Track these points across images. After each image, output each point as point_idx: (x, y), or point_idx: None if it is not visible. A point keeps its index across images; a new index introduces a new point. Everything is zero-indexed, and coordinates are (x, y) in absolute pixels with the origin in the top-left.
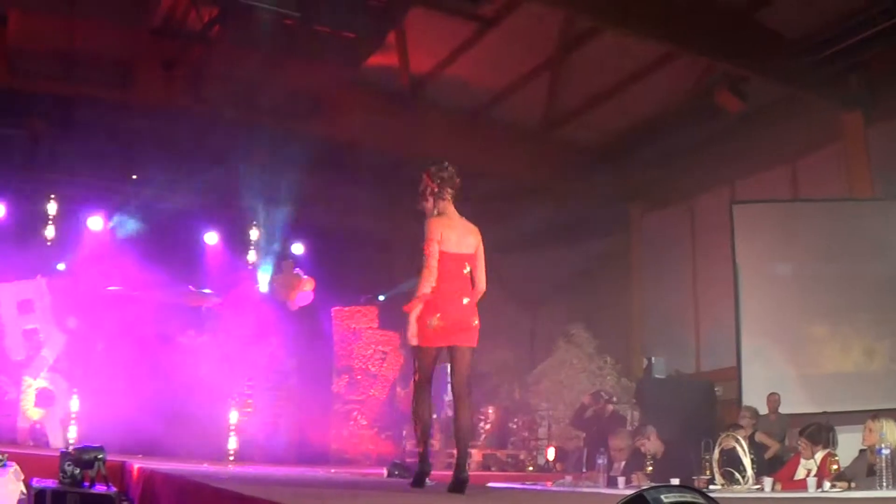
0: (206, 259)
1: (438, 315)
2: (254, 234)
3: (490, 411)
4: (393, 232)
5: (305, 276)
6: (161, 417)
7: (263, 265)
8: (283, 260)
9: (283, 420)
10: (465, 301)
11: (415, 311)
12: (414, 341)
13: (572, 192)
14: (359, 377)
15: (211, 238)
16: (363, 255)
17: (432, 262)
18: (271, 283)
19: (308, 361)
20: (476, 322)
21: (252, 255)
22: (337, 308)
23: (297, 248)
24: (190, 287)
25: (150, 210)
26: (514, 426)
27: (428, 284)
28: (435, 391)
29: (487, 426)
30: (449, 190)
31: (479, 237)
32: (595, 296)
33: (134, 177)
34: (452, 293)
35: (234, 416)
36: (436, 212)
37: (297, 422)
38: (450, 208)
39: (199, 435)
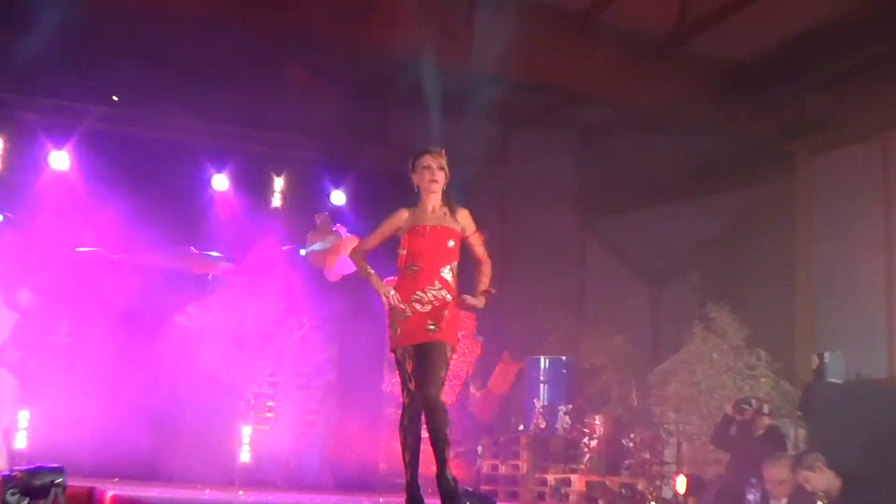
0: (213, 210)
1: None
2: (278, 181)
3: (597, 423)
4: (471, 179)
5: (349, 235)
6: (148, 426)
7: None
8: (318, 213)
9: (317, 430)
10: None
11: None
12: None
13: (711, 125)
14: None
15: (220, 182)
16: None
17: None
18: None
19: (351, 350)
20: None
21: (276, 204)
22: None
23: (338, 198)
24: (191, 248)
25: (137, 143)
26: (631, 444)
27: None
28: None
29: (593, 443)
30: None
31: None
32: (743, 266)
33: (115, 98)
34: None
35: (247, 426)
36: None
37: (336, 433)
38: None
39: (199, 450)
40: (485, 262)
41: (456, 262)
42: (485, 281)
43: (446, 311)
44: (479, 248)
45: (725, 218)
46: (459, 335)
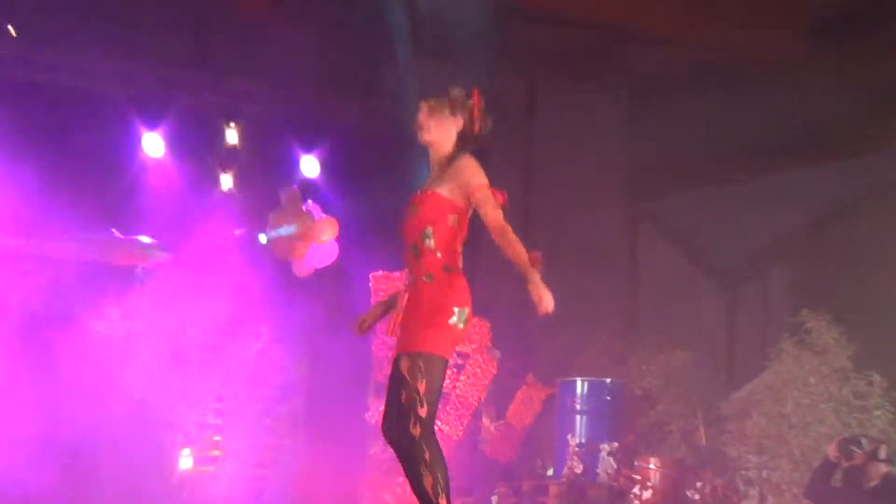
0: (143, 183)
1: (468, 308)
2: (231, 135)
3: (651, 467)
4: (492, 139)
5: (323, 216)
6: (53, 467)
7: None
8: (284, 187)
9: (278, 473)
10: None
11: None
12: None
13: (810, 73)
14: None
15: (153, 145)
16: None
17: (504, 221)
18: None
19: (325, 370)
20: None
21: (227, 178)
22: (379, 273)
23: (310, 166)
24: (114, 233)
25: (41, 93)
26: (697, 496)
27: (522, 252)
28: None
29: (646, 494)
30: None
31: None
32: (851, 262)
33: (11, 30)
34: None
35: (187, 463)
36: (461, 153)
37: (303, 476)
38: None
39: (121, 499)
40: (494, 229)
41: (430, 235)
42: (514, 258)
43: (411, 310)
44: (484, 210)
45: (827, 198)
46: (469, 348)
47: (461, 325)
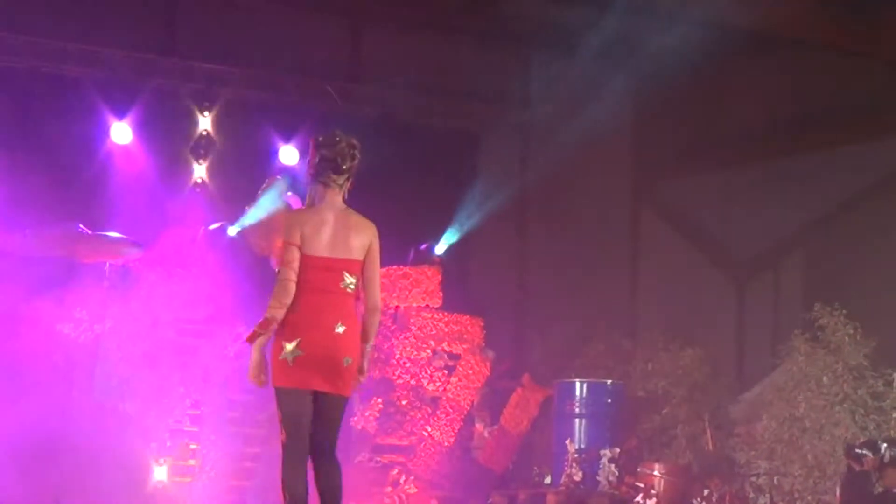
0: (112, 174)
1: (297, 342)
2: (204, 121)
3: (655, 474)
4: (483, 128)
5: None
6: (13, 479)
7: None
8: (268, 177)
9: (258, 483)
10: (340, 329)
11: (258, 341)
12: (260, 380)
13: (832, 47)
14: (403, 403)
15: (121, 133)
16: (419, 162)
17: (286, 274)
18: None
19: None
20: (349, 361)
21: (200, 167)
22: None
23: (289, 154)
24: (80, 228)
25: (4, 79)
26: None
27: (279, 303)
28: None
29: (651, 502)
30: (332, 175)
31: (374, 236)
32: (869, 252)
33: None
34: (321, 316)
35: (161, 473)
36: (308, 201)
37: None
38: (329, 197)
39: None
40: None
41: None
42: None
43: None
44: None
45: (843, 185)
46: (460, 349)
47: (290, 359)
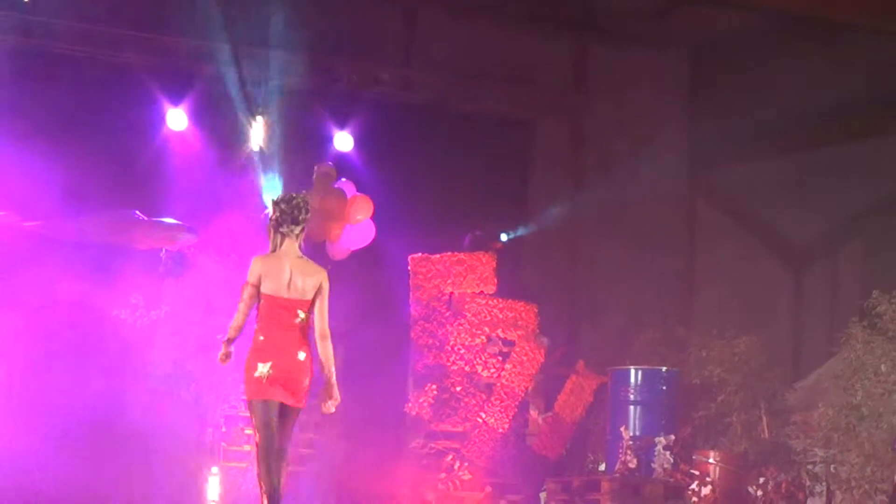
0: (167, 160)
1: (271, 364)
2: (258, 108)
3: (710, 462)
4: (537, 114)
5: (358, 194)
6: (73, 463)
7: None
8: (318, 164)
9: (314, 468)
10: (302, 356)
11: (221, 357)
12: (225, 361)
13: (885, 37)
14: (458, 389)
15: (177, 120)
16: (472, 149)
17: (239, 306)
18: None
19: (362, 358)
20: (307, 382)
21: (254, 153)
22: (418, 256)
23: (344, 141)
24: (136, 214)
25: (58, 65)
26: (760, 492)
27: (234, 328)
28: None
29: (705, 490)
30: (291, 226)
31: (325, 279)
32: None
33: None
34: (286, 345)
35: (216, 463)
36: (270, 247)
37: (341, 471)
38: (286, 244)
39: (150, 498)
40: None
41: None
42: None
43: None
44: None
45: None
46: (515, 335)
47: (264, 377)
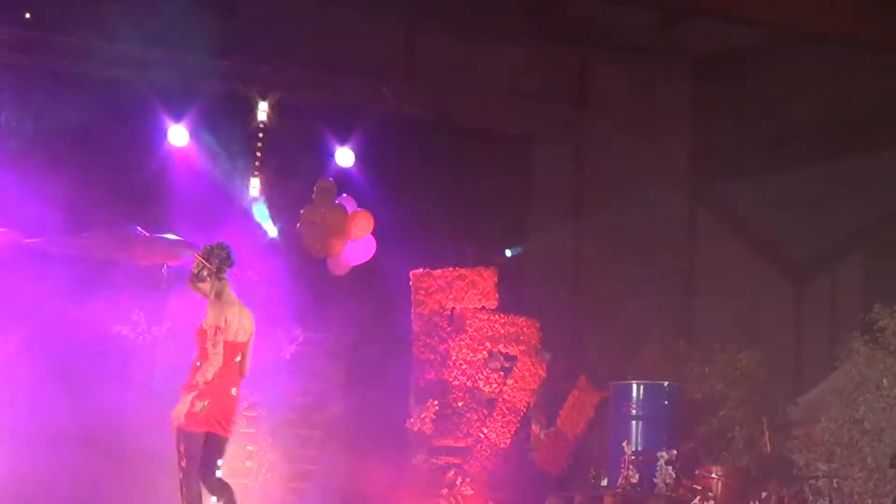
0: (169, 176)
1: (208, 402)
2: (260, 123)
3: (713, 476)
4: (539, 130)
5: (359, 210)
6: (70, 483)
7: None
8: (318, 180)
9: (316, 485)
10: (234, 392)
11: (190, 396)
12: (181, 420)
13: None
14: (459, 405)
15: (178, 136)
16: (474, 164)
17: (219, 350)
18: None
19: (364, 374)
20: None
21: (257, 169)
22: (419, 271)
23: (345, 157)
24: (137, 230)
25: (59, 81)
26: None
27: (213, 372)
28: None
29: None
30: (226, 270)
31: (253, 321)
32: None
33: (27, 15)
34: (224, 383)
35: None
36: (213, 294)
37: (343, 488)
38: (227, 290)
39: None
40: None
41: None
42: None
43: None
44: None
45: None
46: (517, 350)
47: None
